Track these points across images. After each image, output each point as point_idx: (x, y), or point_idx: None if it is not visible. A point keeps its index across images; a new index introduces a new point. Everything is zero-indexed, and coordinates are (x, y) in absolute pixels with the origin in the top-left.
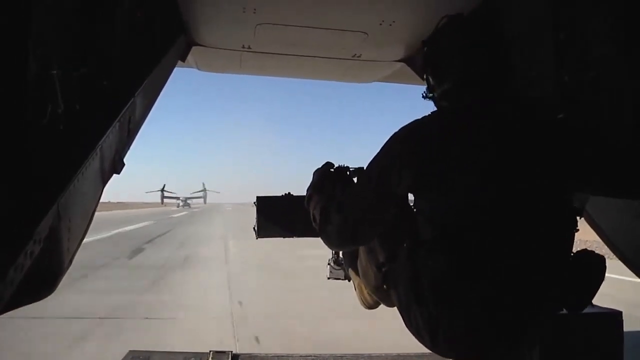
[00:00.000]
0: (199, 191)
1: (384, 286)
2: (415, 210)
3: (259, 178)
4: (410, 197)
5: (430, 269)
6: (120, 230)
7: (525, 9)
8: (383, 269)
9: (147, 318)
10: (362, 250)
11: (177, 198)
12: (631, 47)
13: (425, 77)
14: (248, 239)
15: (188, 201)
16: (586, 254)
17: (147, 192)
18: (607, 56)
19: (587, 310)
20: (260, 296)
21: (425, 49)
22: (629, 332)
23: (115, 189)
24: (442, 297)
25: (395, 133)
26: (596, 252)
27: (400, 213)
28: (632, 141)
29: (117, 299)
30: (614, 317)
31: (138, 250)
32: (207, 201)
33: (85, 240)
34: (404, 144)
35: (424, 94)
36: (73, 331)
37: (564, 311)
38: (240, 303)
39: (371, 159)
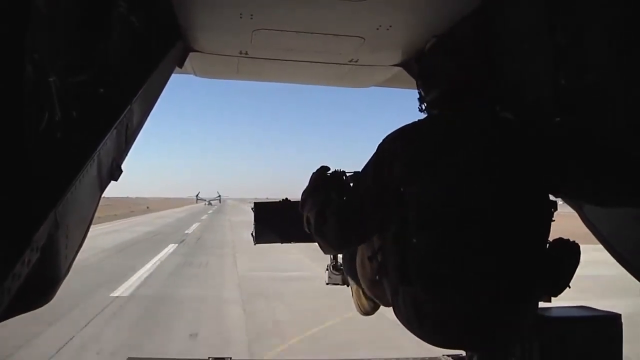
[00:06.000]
0: (218, 197)
1: (376, 277)
2: (403, 199)
3: (256, 178)
4: None
5: (415, 247)
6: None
7: (522, 13)
8: (375, 260)
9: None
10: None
11: (204, 199)
12: (629, 51)
13: (417, 87)
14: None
15: (211, 202)
16: (561, 242)
17: (187, 196)
18: (605, 60)
19: (586, 313)
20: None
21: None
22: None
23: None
24: (427, 277)
25: (386, 136)
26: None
27: (393, 207)
28: (629, 146)
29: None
30: (613, 320)
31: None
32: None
33: (179, 214)
34: (393, 142)
35: (420, 108)
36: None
37: (544, 299)
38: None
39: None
